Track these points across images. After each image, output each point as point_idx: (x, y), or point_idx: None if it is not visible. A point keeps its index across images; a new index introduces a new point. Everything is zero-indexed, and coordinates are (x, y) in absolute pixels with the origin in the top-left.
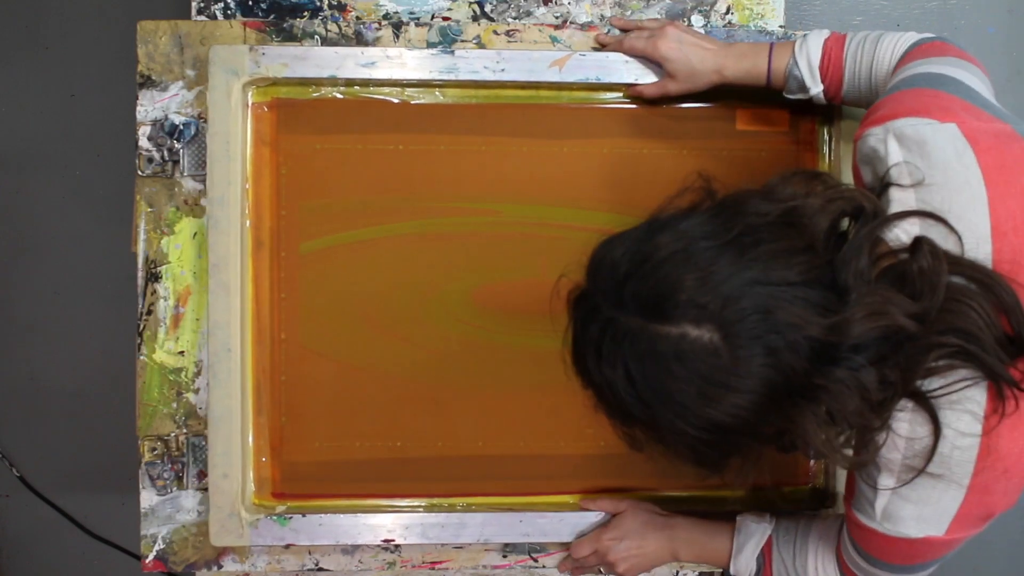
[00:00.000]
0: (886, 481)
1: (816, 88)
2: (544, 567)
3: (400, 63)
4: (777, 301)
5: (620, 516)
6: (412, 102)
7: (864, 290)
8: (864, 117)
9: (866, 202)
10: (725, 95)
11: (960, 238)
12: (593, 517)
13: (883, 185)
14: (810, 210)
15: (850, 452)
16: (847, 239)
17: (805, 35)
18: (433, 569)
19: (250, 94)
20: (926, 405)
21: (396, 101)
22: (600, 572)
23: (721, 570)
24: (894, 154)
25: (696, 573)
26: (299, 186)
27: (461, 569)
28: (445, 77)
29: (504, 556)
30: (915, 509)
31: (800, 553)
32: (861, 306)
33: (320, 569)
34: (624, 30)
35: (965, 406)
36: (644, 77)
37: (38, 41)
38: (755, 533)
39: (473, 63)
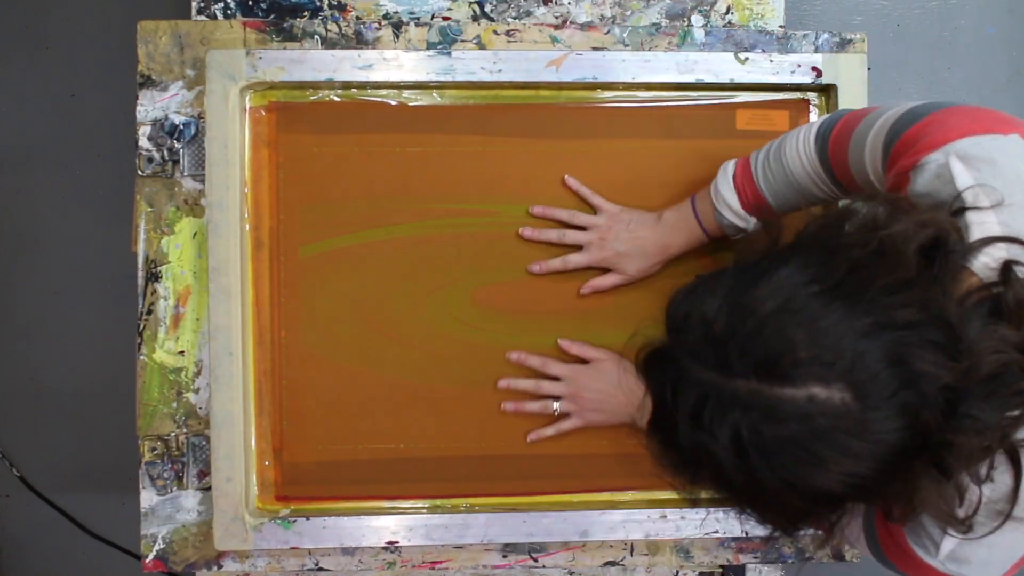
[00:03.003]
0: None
1: (751, 224)
2: (544, 567)
3: (397, 65)
4: (908, 348)
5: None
6: (410, 104)
7: (979, 325)
8: (896, 151)
9: (952, 227)
10: (724, 94)
11: None
12: (596, 516)
13: (955, 211)
14: (904, 237)
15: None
16: (936, 268)
17: (716, 183)
18: (433, 569)
19: (247, 98)
20: (1013, 451)
21: (394, 103)
22: None
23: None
24: (962, 177)
25: (696, 573)
26: (298, 188)
27: (461, 569)
28: (442, 79)
29: (504, 556)
30: (986, 553)
31: None
32: (985, 344)
33: (320, 569)
34: (557, 221)
35: None
36: (641, 74)
37: (38, 41)
38: None
39: (470, 64)
